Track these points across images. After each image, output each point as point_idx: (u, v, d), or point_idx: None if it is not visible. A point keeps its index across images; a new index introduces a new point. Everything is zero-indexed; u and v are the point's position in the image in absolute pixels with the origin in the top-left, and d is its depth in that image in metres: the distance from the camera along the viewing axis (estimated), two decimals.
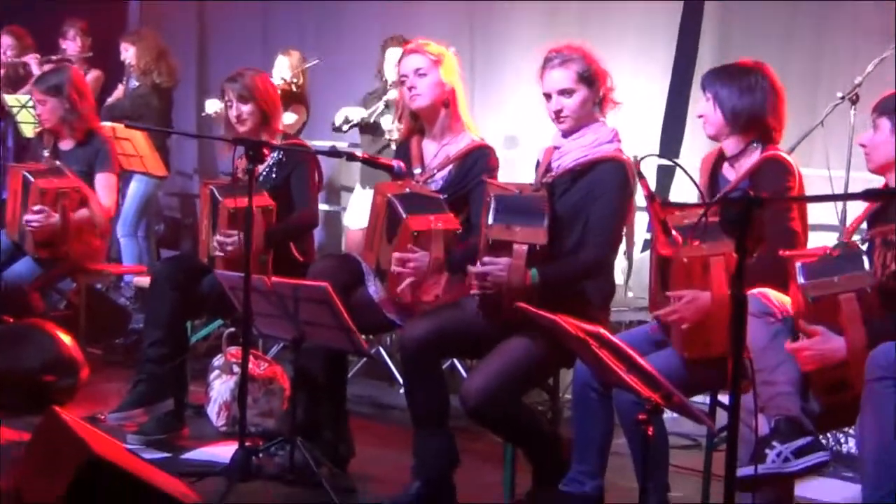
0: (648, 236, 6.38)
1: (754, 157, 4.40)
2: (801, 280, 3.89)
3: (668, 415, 6.23)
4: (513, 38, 8.95)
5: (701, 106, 4.50)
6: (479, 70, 8.93)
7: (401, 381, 5.97)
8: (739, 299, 3.07)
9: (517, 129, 8.52)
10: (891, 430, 3.59)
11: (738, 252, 3.09)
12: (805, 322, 3.87)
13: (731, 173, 4.45)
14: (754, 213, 3.12)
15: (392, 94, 7.67)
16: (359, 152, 5.33)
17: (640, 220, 8.04)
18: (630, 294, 7.52)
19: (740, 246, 3.10)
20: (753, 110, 4.38)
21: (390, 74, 7.79)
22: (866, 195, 3.33)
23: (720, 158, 4.53)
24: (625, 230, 4.71)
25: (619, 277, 7.11)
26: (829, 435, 5.70)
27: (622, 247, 4.74)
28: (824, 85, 6.36)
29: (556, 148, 4.81)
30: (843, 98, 6.10)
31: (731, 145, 4.45)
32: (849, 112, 6.09)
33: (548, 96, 4.72)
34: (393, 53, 7.68)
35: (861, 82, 5.97)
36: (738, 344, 3.14)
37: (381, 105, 7.90)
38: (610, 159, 4.66)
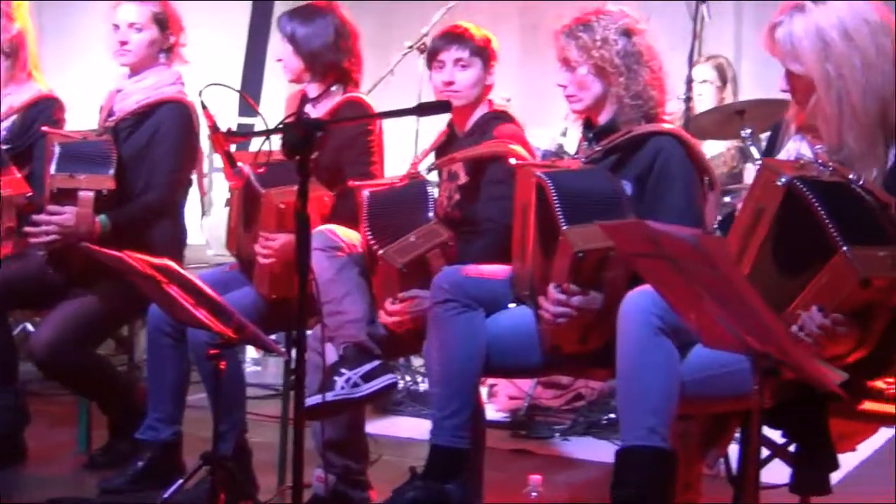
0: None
1: (336, 98, 4.43)
2: (368, 234, 3.91)
3: (249, 368, 6.32)
4: None
5: (280, 50, 4.49)
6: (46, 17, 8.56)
7: None
8: (303, 220, 3.06)
9: (88, 79, 8.27)
10: (455, 351, 3.65)
11: (301, 174, 3.09)
12: (396, 282, 3.87)
13: (313, 114, 4.43)
14: (314, 136, 3.13)
15: None
16: None
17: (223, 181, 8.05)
18: (210, 252, 7.47)
19: (302, 169, 3.09)
20: (329, 52, 4.40)
21: None
22: (419, 109, 3.39)
23: (305, 99, 4.53)
24: (194, 175, 4.74)
25: (199, 236, 7.07)
26: (406, 377, 5.85)
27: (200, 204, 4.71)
28: (395, 35, 6.46)
29: (118, 91, 4.76)
30: (411, 47, 6.24)
31: (313, 88, 4.47)
32: (416, 61, 6.22)
33: (116, 27, 4.66)
34: None
35: (427, 32, 6.10)
36: (304, 266, 3.10)
37: None
38: (172, 101, 4.67)
